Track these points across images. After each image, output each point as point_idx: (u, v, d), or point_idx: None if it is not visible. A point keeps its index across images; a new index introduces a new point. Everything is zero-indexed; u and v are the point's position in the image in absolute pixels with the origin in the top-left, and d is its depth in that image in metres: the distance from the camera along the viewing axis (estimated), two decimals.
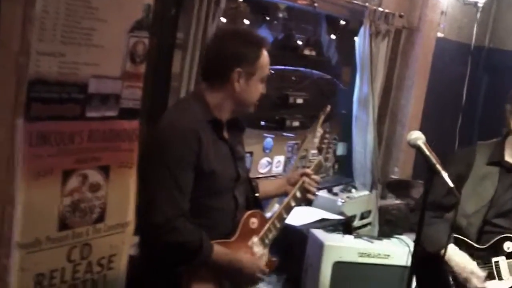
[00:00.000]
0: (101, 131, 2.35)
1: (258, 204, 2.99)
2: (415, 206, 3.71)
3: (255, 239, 2.83)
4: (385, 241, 4.21)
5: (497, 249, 3.30)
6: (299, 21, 5.24)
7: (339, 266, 3.92)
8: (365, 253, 3.98)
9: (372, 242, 4.11)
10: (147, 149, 2.62)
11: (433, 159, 2.79)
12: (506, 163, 3.38)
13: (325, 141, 3.23)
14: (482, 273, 3.24)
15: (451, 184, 2.76)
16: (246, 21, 4.62)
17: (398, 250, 4.04)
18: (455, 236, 3.29)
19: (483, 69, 7.29)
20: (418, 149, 2.88)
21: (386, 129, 6.35)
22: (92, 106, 2.30)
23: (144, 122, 2.61)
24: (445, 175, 2.77)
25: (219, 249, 2.62)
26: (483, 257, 3.30)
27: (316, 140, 3.17)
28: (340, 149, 6.15)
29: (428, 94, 6.54)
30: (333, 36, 5.56)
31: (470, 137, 7.20)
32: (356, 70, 5.64)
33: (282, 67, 5.08)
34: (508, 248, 3.29)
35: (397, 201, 5.87)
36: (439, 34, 6.43)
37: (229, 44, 2.73)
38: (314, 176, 3.07)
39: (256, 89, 2.74)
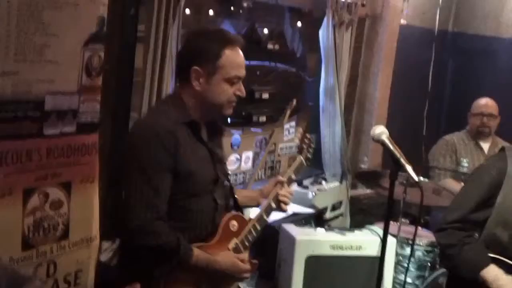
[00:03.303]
0: (59, 147, 2.32)
1: (238, 207, 2.98)
2: (443, 223, 3.28)
3: (235, 241, 2.83)
4: (357, 232, 4.21)
5: None
6: (263, 13, 5.19)
7: (312, 260, 3.91)
8: (337, 246, 3.97)
9: (343, 234, 4.10)
10: (125, 152, 2.58)
11: (397, 153, 2.81)
12: None
13: (306, 140, 3.20)
14: None
15: (416, 178, 2.78)
16: (211, 12, 4.56)
17: (369, 241, 4.05)
18: (492, 257, 3.10)
19: (448, 54, 7.32)
20: (382, 143, 2.89)
21: (354, 118, 6.36)
22: (49, 123, 2.28)
23: (108, 119, 2.58)
24: (409, 168, 2.78)
25: (198, 252, 2.62)
26: None
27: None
28: None
29: (394, 82, 6.54)
30: (297, 28, 5.54)
31: (437, 122, 7.24)
32: (322, 61, 5.62)
33: (246, 62, 5.02)
34: None
35: (368, 191, 5.88)
36: (403, 21, 6.43)
37: (189, 43, 2.73)
38: (288, 188, 3.05)
39: (220, 90, 2.68)
